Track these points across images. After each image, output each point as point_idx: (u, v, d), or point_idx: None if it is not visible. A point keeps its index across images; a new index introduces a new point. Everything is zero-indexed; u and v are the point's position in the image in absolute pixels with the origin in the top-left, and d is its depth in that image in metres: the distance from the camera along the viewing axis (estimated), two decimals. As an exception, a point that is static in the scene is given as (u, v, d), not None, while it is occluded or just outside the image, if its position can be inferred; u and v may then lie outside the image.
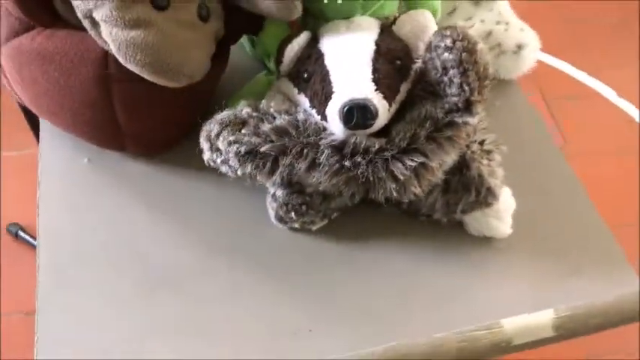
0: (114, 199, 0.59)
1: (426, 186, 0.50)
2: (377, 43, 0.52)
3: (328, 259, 0.55)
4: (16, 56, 0.57)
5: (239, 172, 0.51)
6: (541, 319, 0.52)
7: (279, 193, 0.54)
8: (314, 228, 0.57)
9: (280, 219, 0.56)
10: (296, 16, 0.54)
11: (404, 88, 0.52)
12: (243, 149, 0.49)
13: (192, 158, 0.54)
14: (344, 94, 0.49)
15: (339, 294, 0.53)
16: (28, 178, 0.66)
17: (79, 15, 0.52)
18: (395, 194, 0.50)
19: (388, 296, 0.53)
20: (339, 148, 0.49)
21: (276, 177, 0.50)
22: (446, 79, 0.49)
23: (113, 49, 0.50)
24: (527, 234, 0.57)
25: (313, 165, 0.49)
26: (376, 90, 0.49)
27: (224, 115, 0.51)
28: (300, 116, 0.51)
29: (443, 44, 0.48)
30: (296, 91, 0.54)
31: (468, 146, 0.52)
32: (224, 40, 0.59)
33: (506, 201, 0.55)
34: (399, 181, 0.49)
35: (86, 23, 0.52)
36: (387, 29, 0.54)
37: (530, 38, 0.69)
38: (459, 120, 0.49)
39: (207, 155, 0.51)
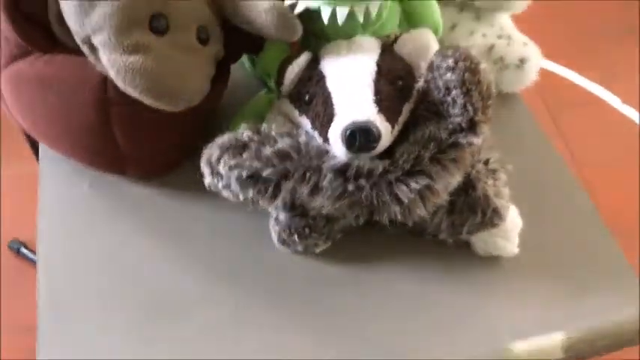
0: (114, 224, 0.58)
1: (431, 208, 0.50)
2: (378, 64, 0.51)
3: (332, 282, 0.54)
4: (14, 82, 0.57)
5: (241, 197, 0.50)
6: (551, 341, 0.51)
7: (282, 216, 0.53)
8: (318, 250, 0.56)
9: (283, 242, 0.55)
10: (296, 38, 0.53)
11: (406, 108, 0.51)
12: (244, 174, 0.49)
13: (193, 180, 0.53)
14: (346, 117, 0.48)
15: (344, 318, 0.52)
16: (30, 193, 0.65)
17: (78, 40, 0.51)
18: (400, 217, 0.49)
19: (394, 319, 0.52)
20: (342, 171, 0.48)
21: (279, 201, 0.50)
22: (449, 99, 0.48)
23: (112, 73, 0.50)
24: (534, 252, 0.56)
25: (316, 189, 0.48)
26: (378, 112, 0.48)
27: (225, 138, 0.50)
28: (302, 139, 0.50)
29: (445, 64, 0.48)
30: (297, 112, 0.53)
31: (472, 166, 0.51)
32: (224, 61, 0.58)
33: (512, 220, 0.54)
34: (403, 204, 0.48)
35: (85, 48, 0.52)
36: (388, 49, 0.54)
37: (533, 52, 0.69)
38: (463, 141, 0.48)
39: (208, 180, 0.51)
